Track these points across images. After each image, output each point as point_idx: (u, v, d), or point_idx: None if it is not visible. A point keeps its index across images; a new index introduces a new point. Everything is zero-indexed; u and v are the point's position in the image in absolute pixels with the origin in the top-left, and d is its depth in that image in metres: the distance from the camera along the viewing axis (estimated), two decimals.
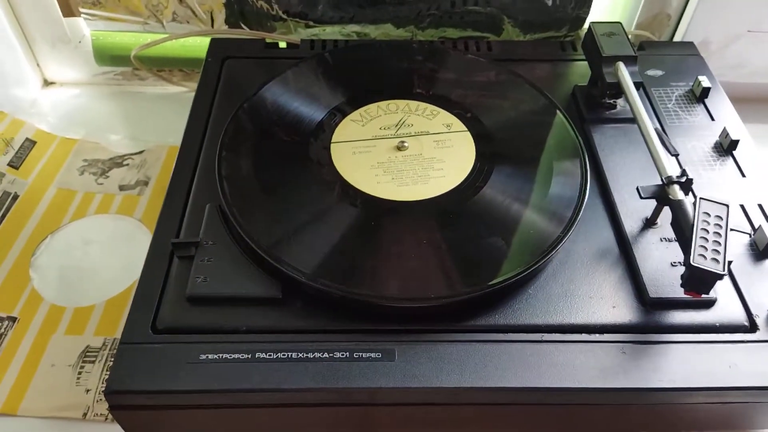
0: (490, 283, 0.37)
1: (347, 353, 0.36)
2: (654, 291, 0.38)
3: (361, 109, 0.48)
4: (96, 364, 0.46)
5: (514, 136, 0.47)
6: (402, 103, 0.49)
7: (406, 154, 0.45)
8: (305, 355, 0.36)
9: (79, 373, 0.46)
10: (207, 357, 0.35)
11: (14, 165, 0.58)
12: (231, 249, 0.40)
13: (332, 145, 0.45)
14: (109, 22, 0.62)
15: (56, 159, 0.60)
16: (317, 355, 0.36)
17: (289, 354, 0.36)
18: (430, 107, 0.49)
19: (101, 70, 0.68)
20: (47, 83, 0.70)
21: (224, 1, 0.60)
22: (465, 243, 0.40)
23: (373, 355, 0.36)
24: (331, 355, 0.36)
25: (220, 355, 0.36)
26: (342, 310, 0.38)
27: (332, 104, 0.49)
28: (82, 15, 0.62)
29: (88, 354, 0.47)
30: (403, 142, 0.45)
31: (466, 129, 0.47)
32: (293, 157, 0.45)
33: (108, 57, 0.65)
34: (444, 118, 0.48)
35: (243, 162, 0.44)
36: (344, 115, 0.48)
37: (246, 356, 0.36)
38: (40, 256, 0.53)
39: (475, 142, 0.46)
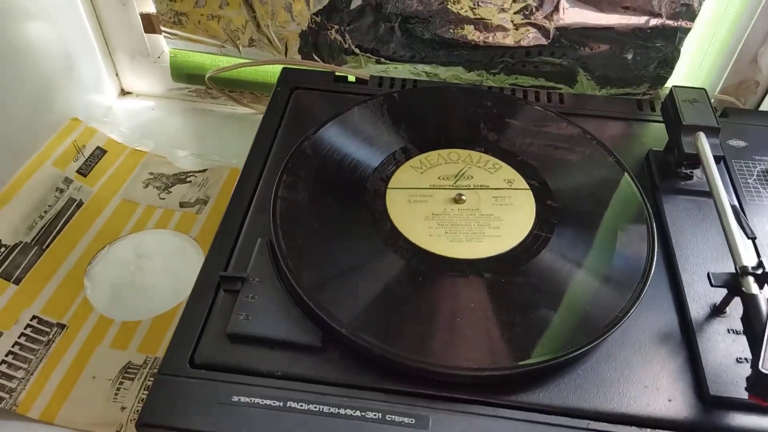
0: (538, 360, 0.36)
1: (380, 414, 0.35)
2: (715, 388, 0.35)
3: (422, 156, 0.47)
4: (135, 382, 0.47)
5: (578, 199, 0.45)
6: (464, 153, 0.48)
7: (463, 207, 0.44)
8: (337, 410, 0.35)
9: (118, 389, 0.46)
10: (239, 399, 0.35)
11: (83, 172, 0.60)
12: (276, 288, 0.40)
13: (388, 191, 0.45)
14: (188, 42, 0.64)
15: (124, 170, 0.62)
16: (349, 412, 0.35)
17: (321, 407, 0.35)
18: (493, 160, 0.47)
19: (176, 86, 0.70)
20: (124, 93, 0.72)
21: (299, 32, 0.61)
22: (515, 312, 0.38)
23: (405, 420, 0.34)
24: (363, 414, 0.35)
25: (252, 399, 0.35)
26: (379, 366, 0.36)
27: (393, 148, 0.48)
28: (163, 33, 0.64)
29: (129, 370, 0.47)
30: (461, 194, 0.44)
31: (528, 187, 0.45)
32: (348, 200, 0.44)
33: (184, 74, 0.67)
34: (506, 173, 0.46)
35: (298, 200, 0.44)
36: (404, 160, 0.47)
37: (278, 403, 0.35)
38: (96, 266, 0.54)
39: (536, 202, 0.44)
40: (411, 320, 0.38)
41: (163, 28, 0.63)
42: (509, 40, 0.57)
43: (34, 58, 0.58)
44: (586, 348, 0.36)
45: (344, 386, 0.36)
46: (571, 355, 0.36)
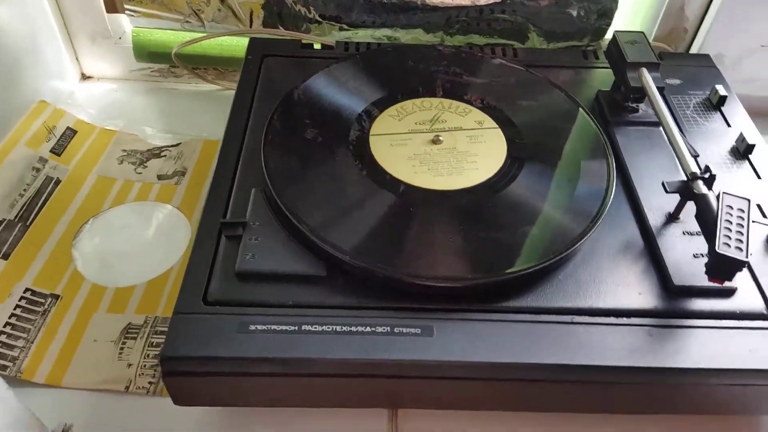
0: (523, 267, 0.40)
1: (388, 328, 0.38)
2: (678, 279, 0.41)
3: (398, 105, 0.51)
4: (138, 341, 0.48)
5: (543, 134, 0.50)
6: (436, 101, 0.51)
7: (441, 147, 0.47)
8: (348, 328, 0.38)
9: (121, 348, 0.47)
10: (256, 328, 0.37)
11: (56, 152, 0.60)
12: (276, 230, 0.42)
13: (371, 137, 0.48)
14: (151, 18, 0.65)
15: (96, 148, 0.63)
16: (360, 329, 0.38)
17: (334, 327, 0.38)
18: (463, 105, 0.51)
19: (138, 66, 0.71)
20: (84, 77, 0.72)
21: (262, 3, 0.63)
22: (500, 230, 0.42)
23: (413, 330, 0.38)
24: (372, 329, 0.38)
25: (269, 326, 0.37)
26: (383, 289, 0.40)
27: (371, 99, 0.51)
28: (126, 11, 0.64)
29: (129, 330, 0.49)
30: (438, 136, 0.48)
31: (497, 126, 0.49)
32: (335, 145, 0.47)
33: (147, 53, 0.68)
34: (476, 115, 0.50)
35: (287, 148, 0.47)
36: (382, 110, 0.50)
37: (293, 328, 0.38)
38: (82, 239, 0.55)
39: (506, 138, 0.49)
40: (408, 245, 0.41)
41: (126, 5, 0.64)
42: (465, 0, 0.61)
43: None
44: (564, 254, 0.41)
45: (353, 308, 0.39)
46: (551, 262, 0.40)
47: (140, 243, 0.55)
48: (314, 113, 0.50)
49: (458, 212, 0.43)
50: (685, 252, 0.42)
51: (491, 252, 0.41)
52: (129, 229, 0.56)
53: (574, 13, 0.62)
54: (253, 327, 0.38)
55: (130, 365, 0.46)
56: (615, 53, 0.53)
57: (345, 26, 0.64)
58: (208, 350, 0.36)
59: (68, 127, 0.63)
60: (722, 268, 0.37)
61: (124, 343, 0.48)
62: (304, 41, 0.61)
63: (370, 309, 0.39)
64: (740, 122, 0.54)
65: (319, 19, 0.63)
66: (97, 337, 0.48)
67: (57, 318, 0.49)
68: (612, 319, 0.39)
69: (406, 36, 0.64)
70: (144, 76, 0.72)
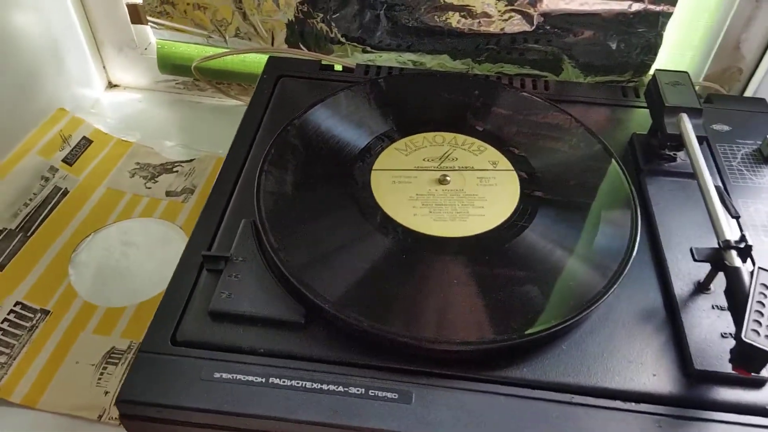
0: (521, 334, 0.35)
1: (363, 389, 0.34)
2: (700, 362, 0.35)
3: (407, 139, 0.47)
4: (118, 367, 0.46)
5: (562, 180, 0.45)
6: (449, 136, 0.48)
7: (448, 188, 0.44)
8: (320, 386, 0.34)
9: (101, 373, 0.46)
10: (221, 375, 0.35)
11: (68, 161, 0.60)
12: (260, 267, 0.39)
13: (373, 172, 0.45)
14: (175, 32, 0.64)
15: (110, 159, 0.62)
16: (332, 387, 0.34)
17: (304, 383, 0.35)
18: (478, 142, 0.47)
19: (163, 78, 0.70)
20: (111, 85, 0.72)
21: (286, 21, 0.61)
22: (498, 288, 0.38)
23: (389, 395, 0.34)
24: (346, 389, 0.34)
25: (234, 375, 0.35)
26: (363, 343, 0.36)
27: (378, 131, 0.48)
28: (149, 23, 0.64)
29: (112, 355, 0.47)
30: (445, 175, 0.44)
31: (512, 168, 0.45)
32: (333, 181, 0.44)
33: (171, 65, 0.67)
34: (491, 155, 0.46)
35: (283, 180, 0.44)
36: (389, 143, 0.47)
37: (260, 380, 0.35)
38: (80, 253, 0.54)
39: (520, 182, 0.44)
40: (394, 296, 0.38)
41: (149, 18, 0.63)
42: (494, 27, 0.57)
43: (21, 48, 0.58)
44: (570, 322, 0.36)
45: (327, 362, 0.36)
46: (554, 330, 0.36)
47: (137, 262, 0.53)
48: (317, 143, 0.47)
49: (453, 264, 0.39)
50: (712, 330, 0.37)
51: (485, 313, 0.37)
52: (128, 246, 0.54)
53: (614, 46, 0.57)
54: (217, 374, 0.35)
55: (107, 393, 0.45)
56: (654, 94, 0.48)
57: (369, 48, 0.61)
58: (166, 397, 0.34)
59: (84, 137, 0.63)
60: (748, 358, 0.32)
61: (104, 368, 0.46)
62: (324, 62, 0.58)
63: (347, 365, 0.36)
64: None
65: (342, 40, 0.61)
66: (79, 358, 0.47)
67: (43, 335, 0.48)
68: (618, 403, 0.34)
69: (431, 61, 0.61)
70: (169, 87, 0.71)
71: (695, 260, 0.37)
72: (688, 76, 0.49)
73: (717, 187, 0.42)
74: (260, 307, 0.37)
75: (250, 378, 0.35)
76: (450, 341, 0.35)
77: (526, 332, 0.36)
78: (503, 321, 0.36)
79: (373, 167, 0.45)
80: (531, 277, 0.39)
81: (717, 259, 0.37)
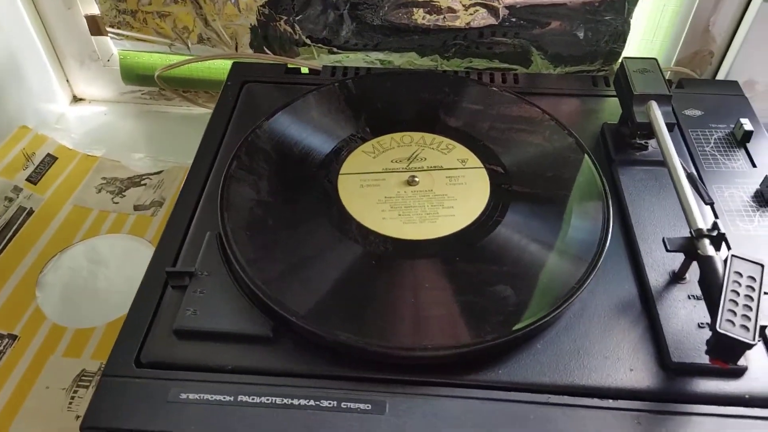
0: (496, 336, 0.35)
1: (335, 402, 0.33)
2: (677, 355, 0.35)
3: (374, 140, 0.46)
4: (89, 390, 0.45)
5: (532, 175, 0.44)
6: (417, 136, 0.47)
7: (416, 189, 0.43)
8: (290, 401, 0.33)
9: (72, 397, 0.45)
10: (188, 396, 0.34)
11: (33, 180, 0.58)
12: (226, 282, 0.38)
13: (340, 177, 0.44)
14: (136, 42, 0.62)
15: (75, 175, 0.60)
16: (303, 402, 0.33)
17: (274, 399, 0.33)
18: (446, 141, 0.46)
19: (129, 89, 0.69)
20: (76, 99, 0.71)
21: (249, 26, 0.59)
22: (470, 290, 0.37)
23: (362, 406, 0.33)
24: (317, 403, 0.33)
25: (202, 395, 0.34)
26: (333, 354, 0.35)
27: (344, 134, 0.47)
28: (109, 35, 0.62)
29: (83, 378, 0.46)
30: (413, 176, 0.43)
31: (481, 165, 0.44)
32: (299, 188, 0.43)
33: (135, 76, 0.66)
34: (459, 152, 0.45)
35: (247, 190, 0.43)
36: (357, 145, 0.46)
37: (228, 398, 0.34)
38: (47, 274, 0.52)
39: (490, 180, 0.44)
40: (364, 304, 0.37)
41: (109, 29, 0.61)
42: (459, 22, 0.56)
43: None
44: (543, 321, 0.35)
45: (297, 376, 0.35)
46: (527, 330, 0.35)
47: (106, 280, 0.52)
48: (281, 151, 0.46)
49: (424, 268, 0.38)
50: (688, 321, 0.36)
51: (458, 317, 0.36)
52: (96, 264, 0.53)
53: (581, 35, 0.57)
54: (184, 395, 0.34)
55: (78, 417, 0.44)
56: (622, 83, 0.48)
57: (335, 49, 0.60)
58: (131, 422, 0.33)
59: (48, 154, 0.61)
60: (724, 348, 0.31)
61: (75, 391, 0.45)
62: (289, 65, 0.57)
63: (318, 377, 0.35)
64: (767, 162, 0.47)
65: (308, 42, 0.59)
66: (49, 383, 0.45)
67: (11, 361, 0.46)
68: (595, 401, 0.34)
69: (399, 59, 0.60)
70: (135, 98, 0.70)
71: (668, 250, 0.37)
72: (657, 62, 0.48)
73: (689, 174, 0.42)
74: (226, 322, 0.36)
75: (218, 397, 0.34)
76: (423, 348, 0.35)
77: (501, 334, 0.35)
78: (477, 324, 0.35)
79: (341, 171, 0.44)
80: (503, 277, 0.38)
81: (689, 248, 0.36)
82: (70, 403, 0.44)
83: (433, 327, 0.36)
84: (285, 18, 0.58)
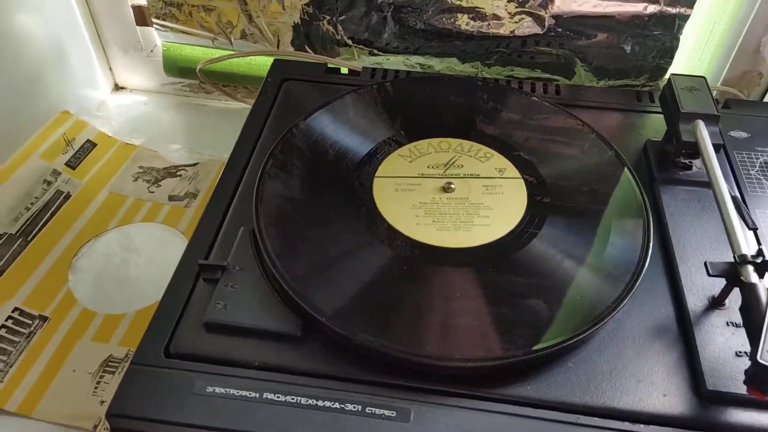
0: (527, 350, 0.34)
1: (359, 406, 0.33)
2: (713, 383, 0.34)
3: (411, 145, 0.46)
4: (116, 376, 0.45)
5: (571, 188, 0.44)
6: (455, 142, 0.46)
7: (452, 196, 0.42)
8: (315, 402, 0.33)
9: (98, 382, 0.45)
10: (214, 390, 0.34)
11: (71, 165, 0.59)
12: (257, 278, 0.38)
13: (375, 179, 0.43)
14: (180, 34, 0.63)
15: (113, 163, 0.61)
16: (327, 403, 0.33)
17: (299, 398, 0.33)
18: (485, 149, 0.46)
19: (170, 80, 0.70)
20: (118, 88, 0.72)
21: (291, 24, 0.60)
22: (502, 301, 0.36)
23: (386, 412, 0.33)
24: (342, 405, 0.33)
25: (227, 390, 0.34)
26: (361, 357, 0.35)
27: (382, 137, 0.47)
28: (154, 25, 0.63)
29: (110, 363, 0.46)
30: (449, 183, 0.43)
31: (519, 176, 0.44)
32: (334, 188, 0.43)
33: (177, 68, 0.67)
34: (497, 161, 0.45)
35: (283, 187, 0.43)
36: (394, 149, 0.46)
37: (254, 395, 0.33)
38: (81, 258, 0.53)
39: (528, 190, 0.43)
40: (394, 310, 0.36)
41: (154, 20, 0.62)
42: (504, 30, 0.56)
43: (24, 49, 0.58)
44: (577, 339, 0.35)
45: (323, 377, 0.34)
46: (560, 347, 0.34)
47: (137, 268, 0.52)
48: (318, 150, 0.46)
49: (457, 276, 0.38)
50: (726, 348, 0.35)
51: (489, 328, 0.35)
52: (129, 251, 0.54)
53: (628, 49, 0.56)
54: (210, 389, 0.34)
55: (103, 402, 0.44)
56: (669, 100, 0.47)
57: (376, 51, 0.60)
58: (157, 412, 0.33)
59: (88, 140, 0.62)
60: (764, 379, 0.30)
61: (101, 376, 0.45)
62: (329, 65, 0.57)
63: (344, 380, 0.34)
64: None
65: (349, 43, 0.59)
66: (76, 366, 0.46)
67: (41, 342, 0.47)
68: (626, 425, 0.33)
69: (440, 64, 0.59)
70: (175, 90, 0.71)
71: (709, 275, 0.36)
72: (705, 81, 0.47)
73: (734, 197, 0.40)
74: (256, 318, 0.36)
75: (244, 393, 0.34)
76: (451, 358, 0.34)
77: (532, 349, 0.34)
78: (508, 336, 0.35)
79: (376, 174, 0.44)
80: (537, 291, 0.37)
81: (732, 274, 0.35)
82: (96, 387, 0.45)
83: (463, 337, 0.35)
84: (328, 18, 0.58)
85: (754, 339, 0.31)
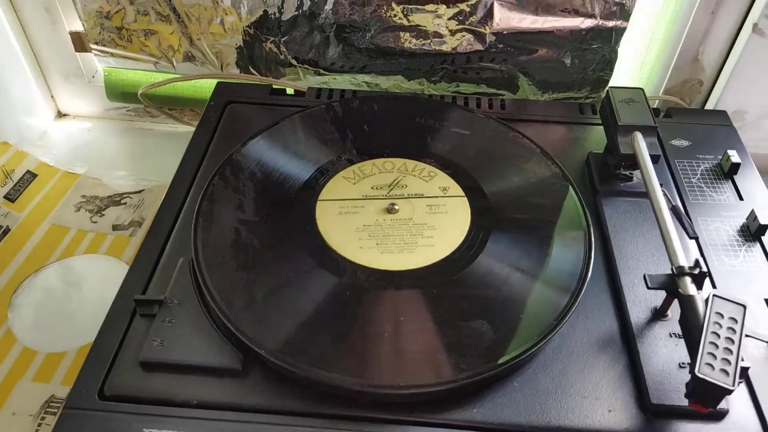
0: (471, 374, 0.34)
1: None
2: (657, 396, 0.34)
3: (355, 166, 0.46)
4: (57, 417, 0.43)
5: (514, 204, 0.44)
6: (399, 162, 0.46)
7: (396, 217, 0.42)
8: None
9: (39, 425, 0.43)
10: None
11: (11, 198, 0.57)
12: (197, 311, 0.37)
13: (318, 203, 0.43)
14: (121, 59, 0.62)
15: (55, 193, 0.59)
16: None
17: None
18: (428, 168, 0.46)
19: (114, 105, 0.68)
20: (60, 115, 0.70)
21: (235, 45, 0.59)
22: (446, 324, 0.36)
23: None
24: None
25: (165, 431, 0.32)
26: (305, 389, 0.34)
27: (325, 159, 0.46)
28: (93, 51, 0.62)
29: (51, 404, 0.44)
30: (393, 204, 0.42)
31: (463, 194, 0.44)
32: (276, 215, 0.42)
33: (119, 93, 0.65)
34: (441, 180, 0.45)
35: (223, 217, 0.42)
36: (336, 171, 0.45)
37: None
38: (20, 295, 0.51)
39: (471, 208, 0.43)
40: (337, 338, 0.36)
41: (93, 46, 0.61)
42: (446, 47, 0.56)
43: None
44: (520, 359, 0.34)
45: (267, 412, 0.34)
46: (505, 367, 0.34)
47: (79, 302, 0.51)
48: (258, 176, 0.45)
49: (400, 300, 0.37)
50: (669, 360, 0.36)
51: (433, 352, 0.35)
52: (70, 285, 0.52)
53: (568, 63, 0.56)
54: (147, 431, 0.33)
55: None
56: (608, 113, 0.47)
57: (321, 70, 0.59)
58: None
59: (28, 171, 0.60)
60: (704, 393, 0.30)
61: (43, 418, 0.44)
62: (274, 86, 0.56)
63: (289, 414, 0.34)
64: (754, 195, 0.47)
65: (294, 63, 0.59)
66: (16, 408, 0.44)
67: None
68: None
69: (386, 82, 0.59)
70: (120, 115, 0.69)
71: (648, 288, 0.36)
72: (643, 92, 0.47)
73: (674, 207, 0.41)
74: (194, 353, 0.35)
75: None
76: (396, 386, 0.33)
77: (476, 372, 0.34)
78: (452, 360, 0.34)
79: (319, 197, 0.43)
80: (481, 310, 0.37)
81: (671, 286, 0.35)
82: (37, 430, 0.43)
83: (408, 363, 0.35)
84: (271, 38, 0.57)
85: (693, 352, 0.32)
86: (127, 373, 0.35)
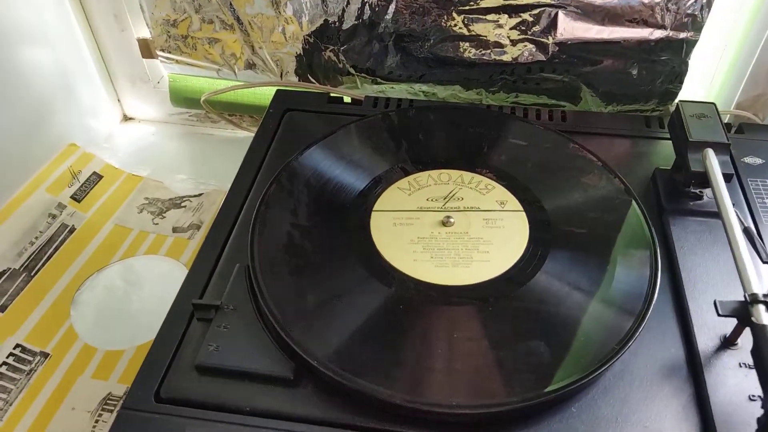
0: (527, 396, 0.33)
1: None
2: (724, 429, 0.32)
3: (411, 177, 0.45)
4: (113, 414, 0.45)
5: (575, 222, 0.42)
6: (455, 174, 0.45)
7: (451, 230, 0.41)
8: None
9: (96, 421, 0.45)
10: None
11: (77, 198, 0.60)
12: (251, 318, 0.38)
13: (373, 214, 0.42)
14: (185, 66, 0.63)
15: (119, 195, 0.61)
16: None
17: None
18: (486, 180, 0.45)
19: (177, 110, 0.70)
20: (126, 118, 0.72)
21: (294, 54, 0.59)
22: (501, 344, 0.35)
23: None
24: None
25: None
26: (357, 403, 0.34)
27: (381, 169, 0.46)
28: (159, 58, 0.63)
29: (108, 401, 0.46)
30: (449, 217, 0.42)
31: (521, 208, 0.43)
32: (331, 224, 0.42)
33: (183, 99, 0.67)
34: (499, 194, 0.44)
35: (279, 223, 0.42)
36: (393, 181, 0.45)
37: None
38: (83, 293, 0.53)
39: (530, 224, 0.42)
40: (390, 352, 0.35)
41: (159, 53, 0.63)
42: (507, 57, 0.55)
43: (31, 82, 0.58)
44: (580, 383, 0.33)
45: (317, 423, 0.33)
46: (563, 391, 0.33)
47: (139, 302, 0.52)
48: (315, 185, 0.45)
49: (454, 316, 0.37)
50: (738, 391, 0.33)
51: (488, 373, 0.34)
52: (131, 285, 0.53)
53: (635, 74, 0.54)
54: None
55: None
56: (677, 128, 0.45)
57: (379, 79, 0.59)
58: None
59: (94, 172, 0.62)
60: None
61: (100, 414, 0.45)
62: (332, 94, 0.57)
63: (338, 426, 0.33)
64: None
65: (352, 71, 0.59)
66: (76, 404, 0.46)
67: (42, 379, 0.47)
68: None
69: (444, 92, 0.59)
70: (182, 120, 0.71)
71: (719, 315, 0.34)
72: (715, 107, 0.45)
73: (746, 229, 0.39)
74: (247, 360, 0.35)
75: None
76: (448, 405, 0.33)
77: (533, 395, 0.33)
78: (507, 382, 0.34)
79: (374, 208, 0.43)
80: (537, 332, 0.36)
81: (743, 314, 0.33)
82: (94, 426, 0.44)
83: (460, 382, 0.34)
84: (330, 47, 0.58)
85: (765, 385, 0.30)
86: (183, 377, 0.36)
